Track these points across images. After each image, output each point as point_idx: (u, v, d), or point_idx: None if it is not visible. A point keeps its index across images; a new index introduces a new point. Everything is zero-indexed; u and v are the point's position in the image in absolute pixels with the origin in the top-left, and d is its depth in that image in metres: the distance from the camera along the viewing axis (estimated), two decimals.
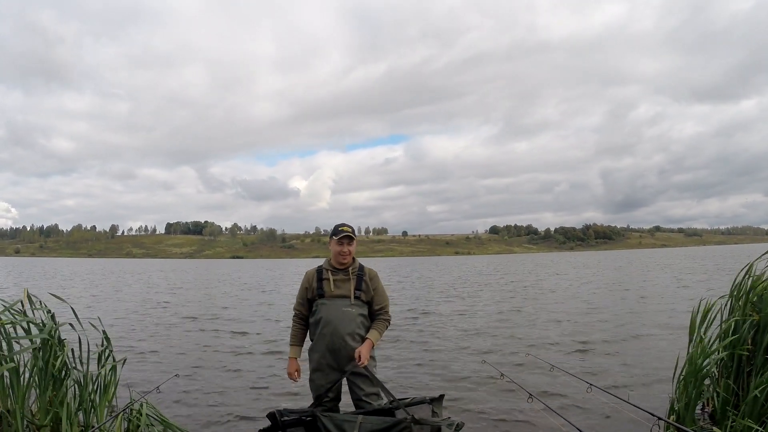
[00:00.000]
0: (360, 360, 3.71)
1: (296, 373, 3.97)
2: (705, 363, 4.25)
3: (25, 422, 4.09)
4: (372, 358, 3.97)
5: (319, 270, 4.00)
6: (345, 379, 3.93)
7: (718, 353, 4.36)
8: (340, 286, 3.92)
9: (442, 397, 3.99)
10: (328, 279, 3.93)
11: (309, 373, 3.99)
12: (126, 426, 4.31)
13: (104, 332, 4.68)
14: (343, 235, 3.87)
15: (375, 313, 4.00)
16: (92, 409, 4.33)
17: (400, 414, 3.63)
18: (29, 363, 4.16)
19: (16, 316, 4.25)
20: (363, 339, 3.89)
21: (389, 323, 4.06)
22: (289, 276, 41.13)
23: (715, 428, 3.89)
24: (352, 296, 3.90)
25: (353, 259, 4.03)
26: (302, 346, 4.05)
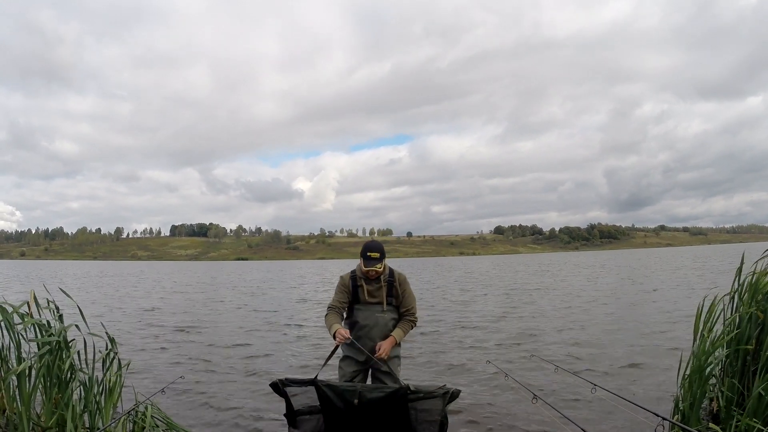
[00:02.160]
0: (379, 351, 4.08)
1: (345, 333, 4.02)
2: (709, 362, 4.24)
3: (31, 424, 4.11)
4: (396, 357, 4.36)
5: (353, 277, 4.32)
6: (370, 374, 4.30)
7: (723, 350, 4.36)
8: (373, 294, 4.27)
9: (457, 393, 3.97)
10: (362, 287, 4.26)
11: (338, 361, 4.34)
12: (131, 428, 4.34)
13: (108, 335, 4.70)
14: (369, 260, 4.15)
15: (402, 315, 4.36)
16: (98, 411, 4.35)
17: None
18: (35, 365, 4.18)
19: (24, 318, 4.28)
20: None
21: (415, 324, 4.42)
22: (295, 279, 41.17)
23: (718, 428, 3.87)
24: (385, 303, 4.28)
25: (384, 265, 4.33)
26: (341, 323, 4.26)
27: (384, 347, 4.12)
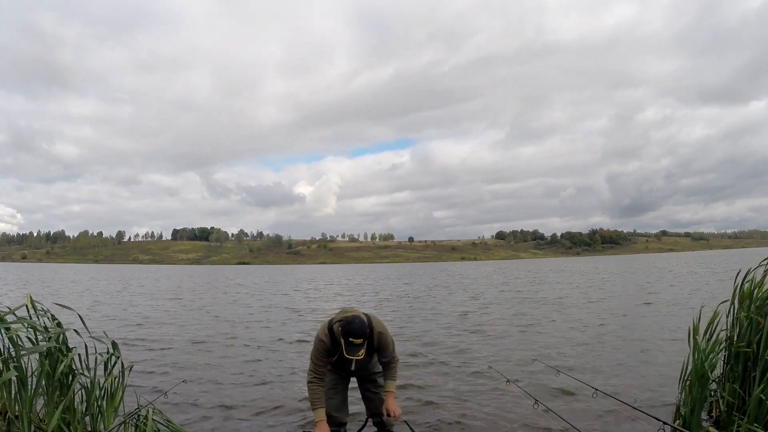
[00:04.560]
0: (392, 416, 4.12)
1: None
2: (709, 367, 4.25)
3: (33, 427, 4.12)
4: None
5: (334, 340, 4.06)
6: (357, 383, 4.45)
7: (723, 353, 4.37)
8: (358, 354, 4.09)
9: None
10: (343, 350, 4.00)
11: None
12: (133, 431, 4.34)
13: (110, 339, 4.72)
14: (352, 346, 3.87)
15: (383, 363, 4.32)
16: (99, 415, 4.37)
17: None
18: (36, 368, 4.20)
19: (22, 321, 4.30)
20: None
21: (397, 366, 4.36)
22: (296, 283, 41.18)
23: None
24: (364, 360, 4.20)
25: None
26: (325, 408, 4.18)
27: (392, 410, 4.12)
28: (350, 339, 3.82)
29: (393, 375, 4.26)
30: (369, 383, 4.40)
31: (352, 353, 3.84)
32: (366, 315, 4.16)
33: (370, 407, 4.39)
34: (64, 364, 4.13)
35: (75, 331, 4.56)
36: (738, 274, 4.72)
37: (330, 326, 4.08)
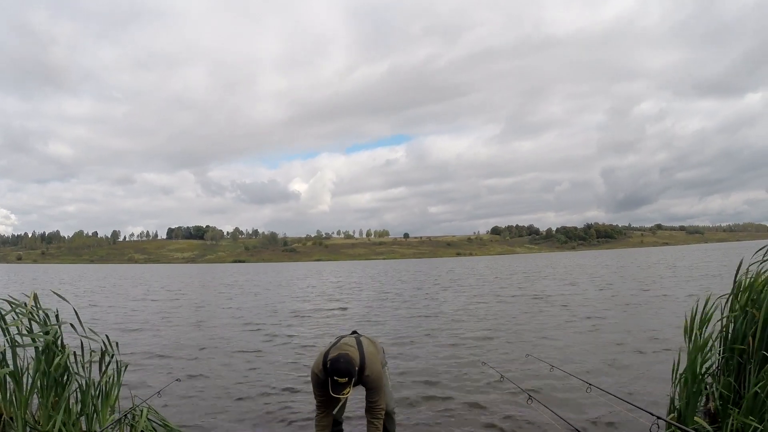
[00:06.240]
0: None
1: None
2: (704, 360, 4.26)
3: (28, 428, 4.11)
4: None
5: (326, 376, 3.91)
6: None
7: (719, 346, 4.38)
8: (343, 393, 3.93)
9: None
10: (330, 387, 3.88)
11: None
12: (128, 431, 4.34)
13: (106, 336, 4.70)
14: (337, 385, 3.73)
15: (368, 404, 4.09)
16: (94, 414, 4.35)
17: None
18: (32, 367, 4.18)
19: (20, 316, 4.27)
20: None
21: (382, 421, 4.08)
22: (290, 281, 41.15)
23: (710, 428, 3.89)
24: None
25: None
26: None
27: None
28: (335, 377, 3.70)
29: (375, 430, 4.03)
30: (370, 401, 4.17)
31: (336, 392, 3.71)
32: (361, 352, 4.03)
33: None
34: (59, 359, 4.11)
35: (71, 325, 4.54)
36: (739, 268, 4.72)
37: (324, 360, 3.94)
